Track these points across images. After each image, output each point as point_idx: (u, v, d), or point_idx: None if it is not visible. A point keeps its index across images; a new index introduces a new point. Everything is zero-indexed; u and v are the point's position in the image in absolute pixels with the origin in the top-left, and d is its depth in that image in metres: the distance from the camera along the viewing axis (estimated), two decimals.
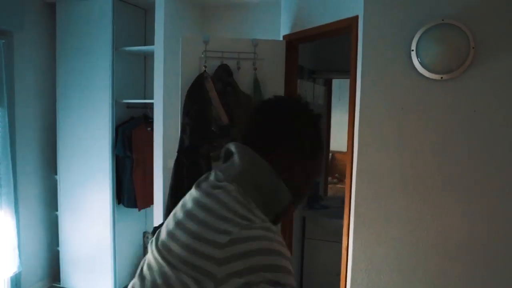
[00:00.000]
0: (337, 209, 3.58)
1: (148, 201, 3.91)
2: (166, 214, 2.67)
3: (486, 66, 2.03)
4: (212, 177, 1.05)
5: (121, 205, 3.91)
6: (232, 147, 1.07)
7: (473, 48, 2.02)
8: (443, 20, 2.05)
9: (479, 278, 2.13)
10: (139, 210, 3.95)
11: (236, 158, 1.03)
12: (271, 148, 1.04)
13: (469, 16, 2.04)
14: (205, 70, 2.69)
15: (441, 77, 2.08)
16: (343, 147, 4.11)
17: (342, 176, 4.36)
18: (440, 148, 2.14)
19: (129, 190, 3.83)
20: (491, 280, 2.11)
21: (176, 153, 2.72)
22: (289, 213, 1.14)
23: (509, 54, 2.00)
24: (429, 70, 2.09)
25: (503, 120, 2.04)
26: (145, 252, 4.35)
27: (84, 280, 4.02)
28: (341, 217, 2.63)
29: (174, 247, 0.94)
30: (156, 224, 3.48)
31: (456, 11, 2.06)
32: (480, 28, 2.02)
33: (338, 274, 2.56)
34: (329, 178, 4.36)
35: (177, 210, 1.06)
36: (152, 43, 3.59)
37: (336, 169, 4.48)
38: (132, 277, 3.58)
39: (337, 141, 4.20)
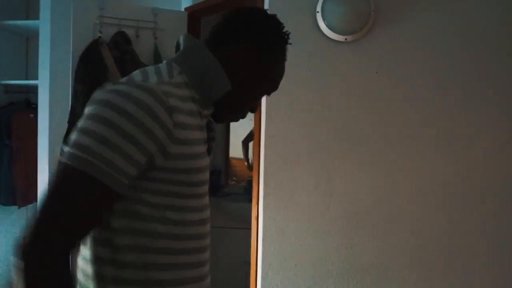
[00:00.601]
0: (240, 195, 3.51)
1: (31, 197, 3.47)
2: None
3: (386, 28, 2.12)
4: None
5: None
6: (180, 38, 1.06)
7: (373, 11, 2.09)
8: None
9: (388, 240, 2.17)
10: (20, 207, 3.48)
11: (182, 44, 1.04)
12: (221, 42, 1.03)
13: None
14: (100, 36, 2.47)
15: (345, 39, 2.12)
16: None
17: (239, 180, 4.30)
18: (345, 110, 2.16)
19: (6, 184, 3.38)
20: (397, 240, 2.16)
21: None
22: (238, 109, 1.06)
23: (406, 18, 2.11)
24: (334, 31, 2.12)
25: (403, 82, 2.13)
26: None
27: None
28: (244, 202, 2.56)
29: None
30: None
31: None
32: None
33: (246, 261, 2.47)
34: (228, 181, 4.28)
35: None
36: (36, 17, 3.24)
37: (234, 174, 4.42)
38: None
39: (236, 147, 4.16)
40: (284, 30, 1.08)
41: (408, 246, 2.16)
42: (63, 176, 0.79)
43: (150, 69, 0.93)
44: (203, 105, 0.95)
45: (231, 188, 3.79)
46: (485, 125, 2.07)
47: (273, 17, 1.07)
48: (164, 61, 1.00)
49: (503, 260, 2.09)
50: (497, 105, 2.06)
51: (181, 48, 1.02)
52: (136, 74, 0.90)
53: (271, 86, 1.09)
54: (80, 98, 2.36)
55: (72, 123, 2.37)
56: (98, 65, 2.40)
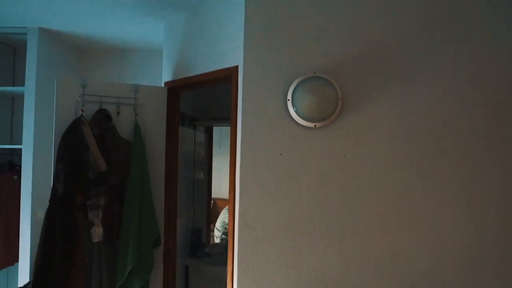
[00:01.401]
0: (221, 256, 3.57)
1: (11, 259, 3.49)
2: (35, 274, 2.40)
3: (352, 115, 2.25)
4: None
5: None
6: None
7: (341, 99, 2.23)
8: (314, 73, 2.24)
9: None
10: (0, 269, 3.50)
11: None
12: None
13: (337, 70, 2.26)
14: (82, 114, 2.56)
15: (315, 125, 2.25)
16: (224, 194, 4.19)
17: (223, 223, 4.39)
18: (315, 191, 2.27)
19: None
20: None
21: (47, 204, 2.48)
22: None
23: (371, 104, 2.24)
24: (303, 119, 2.24)
25: (368, 165, 2.25)
26: None
27: None
28: (225, 264, 2.63)
29: None
30: (21, 284, 3.11)
31: (326, 65, 2.26)
32: (346, 82, 2.25)
33: None
34: (211, 226, 4.35)
35: None
36: (22, 84, 3.34)
37: (217, 216, 4.50)
38: None
39: (218, 188, 4.25)
40: None
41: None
42: None
43: None
44: None
45: (212, 247, 3.84)
46: (441, 205, 2.22)
47: None
48: None
49: None
50: (455, 182, 2.22)
51: None
52: None
53: None
54: (60, 177, 2.43)
55: (54, 200, 2.44)
56: (79, 143, 2.49)
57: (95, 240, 2.50)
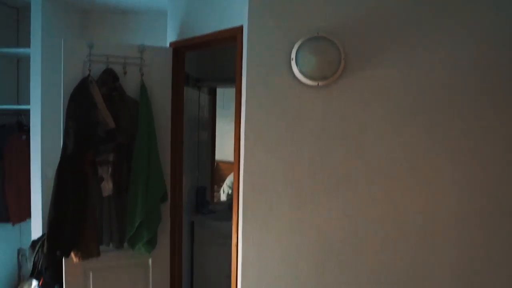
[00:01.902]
0: (224, 213, 3.70)
1: (23, 215, 3.63)
2: (50, 226, 2.52)
3: (354, 75, 2.31)
4: None
5: None
6: None
7: (343, 59, 2.28)
8: (318, 33, 2.28)
9: (357, 267, 2.38)
10: (13, 224, 3.64)
11: None
12: None
13: (340, 31, 2.29)
14: (89, 74, 2.62)
15: (317, 84, 2.31)
16: (227, 156, 4.29)
17: (223, 182, 4.50)
18: (317, 150, 2.36)
19: (0, 204, 3.52)
20: (365, 267, 2.38)
21: (57, 162, 2.58)
22: None
23: (373, 66, 2.30)
24: (306, 77, 2.30)
25: (370, 122, 2.32)
26: (20, 271, 4.02)
27: None
28: (228, 220, 2.76)
29: None
30: (34, 237, 3.25)
31: (329, 26, 2.30)
32: (349, 42, 2.29)
33: (228, 276, 2.65)
34: (215, 187, 4.47)
35: None
36: (26, 45, 3.38)
37: (220, 178, 4.60)
38: None
39: (221, 151, 4.34)
40: None
41: (376, 274, 2.38)
42: None
43: None
44: None
45: (217, 205, 3.97)
46: (445, 163, 2.30)
47: None
48: None
49: None
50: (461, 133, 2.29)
51: None
52: None
53: None
54: (70, 135, 2.51)
55: (64, 157, 2.53)
56: (87, 102, 2.56)
57: (105, 194, 2.61)
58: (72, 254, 2.63)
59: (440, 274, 2.33)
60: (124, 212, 2.69)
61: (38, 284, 3.04)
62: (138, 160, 2.69)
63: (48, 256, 2.82)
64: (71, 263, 2.70)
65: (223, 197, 4.38)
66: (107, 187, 2.60)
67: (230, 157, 2.64)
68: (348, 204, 2.36)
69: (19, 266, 4.02)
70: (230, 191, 4.31)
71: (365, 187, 2.35)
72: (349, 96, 2.32)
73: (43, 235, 3.01)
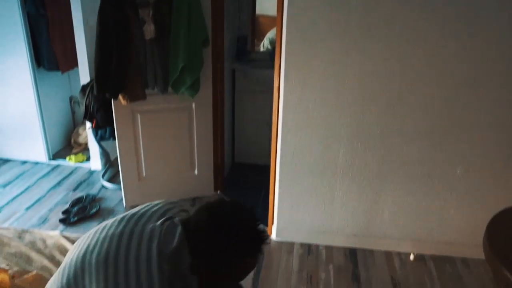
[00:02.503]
0: (265, 62, 3.69)
1: (71, 63, 3.76)
2: (97, 70, 2.61)
3: None
4: (161, 232, 1.20)
5: (42, 69, 3.74)
6: (178, 229, 1.20)
7: None
8: None
9: (397, 112, 2.40)
10: (62, 72, 3.80)
11: (175, 240, 1.18)
12: (201, 254, 1.18)
13: None
14: None
15: None
16: (267, 10, 4.13)
17: (263, 37, 4.41)
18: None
19: (48, 51, 3.63)
20: (405, 112, 2.39)
21: (98, 7, 2.55)
22: None
23: None
24: None
25: None
26: (74, 117, 4.30)
27: (16, 150, 3.97)
28: (269, 68, 2.75)
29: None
30: (83, 83, 3.40)
31: None
32: None
33: (269, 123, 2.74)
34: (255, 40, 4.39)
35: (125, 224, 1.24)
36: None
37: (260, 33, 4.49)
38: (64, 143, 3.51)
39: (261, 3, 4.17)
40: (263, 237, 1.21)
41: (414, 118, 2.40)
42: None
43: None
44: None
45: (257, 54, 3.95)
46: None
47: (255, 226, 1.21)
48: (156, 252, 1.16)
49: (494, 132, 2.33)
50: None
51: (174, 246, 1.17)
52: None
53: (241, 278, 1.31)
54: None
55: (105, 2, 2.50)
56: None
57: (148, 37, 2.62)
58: (120, 97, 2.76)
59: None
60: (167, 56, 2.73)
61: (91, 126, 3.27)
62: (179, 2, 2.63)
63: (98, 98, 2.98)
64: (119, 105, 2.85)
65: (263, 49, 4.33)
66: (149, 29, 2.60)
67: (271, 11, 2.52)
68: (393, 50, 2.29)
69: (73, 112, 4.30)
70: (269, 46, 4.24)
71: (411, 30, 2.25)
72: None
73: (91, 80, 3.14)
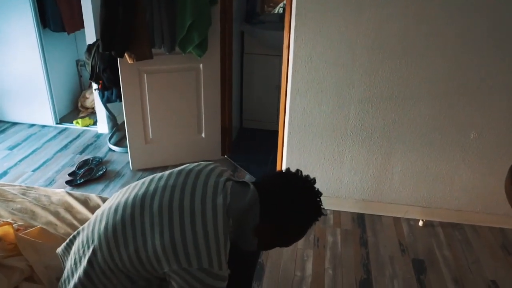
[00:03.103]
0: (274, 23, 3.60)
1: (76, 24, 3.69)
2: (102, 26, 2.54)
3: None
4: (226, 189, 1.24)
5: (47, 30, 3.68)
6: (251, 189, 1.24)
7: None
8: None
9: (409, 73, 2.32)
10: (69, 33, 3.74)
11: (247, 199, 1.22)
12: (270, 217, 1.23)
13: None
14: None
15: None
16: None
17: (276, 5, 4.27)
18: None
19: (54, 12, 3.57)
20: (417, 72, 2.31)
21: None
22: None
23: None
24: None
25: None
26: (81, 80, 4.26)
27: (24, 113, 3.96)
28: (279, 30, 2.66)
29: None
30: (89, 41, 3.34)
31: None
32: None
33: (278, 86, 2.68)
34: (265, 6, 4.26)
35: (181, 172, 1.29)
36: None
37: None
38: (71, 107, 3.48)
39: None
40: (321, 207, 1.28)
41: (427, 80, 2.32)
42: None
43: (213, 249, 1.15)
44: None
45: (266, 16, 3.84)
46: None
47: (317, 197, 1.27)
48: (222, 207, 1.19)
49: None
50: None
51: (246, 203, 1.22)
52: (203, 255, 1.14)
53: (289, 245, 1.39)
54: None
55: None
56: None
57: None
58: (126, 55, 2.70)
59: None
60: (175, 13, 2.65)
61: (98, 87, 3.22)
62: None
63: (104, 58, 2.92)
64: (126, 65, 2.79)
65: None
66: None
67: None
68: (409, 9, 2.20)
69: (79, 76, 4.26)
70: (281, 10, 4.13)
71: None
72: None
73: (97, 40, 3.08)
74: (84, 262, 1.24)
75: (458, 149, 2.47)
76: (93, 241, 1.24)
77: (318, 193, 1.28)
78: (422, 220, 2.65)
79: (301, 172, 1.32)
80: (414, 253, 2.40)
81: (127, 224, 1.20)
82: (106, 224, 1.24)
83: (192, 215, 1.16)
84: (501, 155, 2.44)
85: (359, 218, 2.70)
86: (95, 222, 1.30)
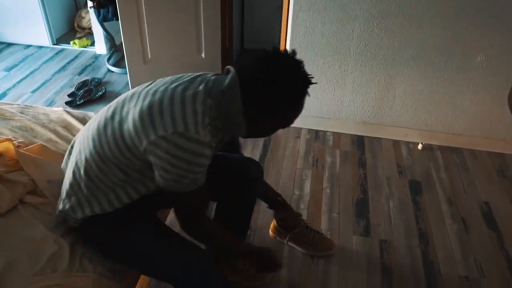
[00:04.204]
0: None
1: None
2: None
3: None
4: (209, 79, 1.22)
5: None
6: (231, 73, 1.19)
7: None
8: None
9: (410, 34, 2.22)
10: None
11: (226, 81, 1.18)
12: (254, 100, 1.17)
13: None
14: None
15: None
16: None
17: None
18: None
19: None
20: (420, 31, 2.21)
21: None
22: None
23: None
24: None
25: None
26: (76, 2, 4.10)
27: (19, 34, 3.86)
28: None
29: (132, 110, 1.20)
30: None
31: None
32: None
33: (280, 6, 2.56)
34: None
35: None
36: None
37: None
38: (68, 27, 3.36)
39: None
40: (309, 79, 1.22)
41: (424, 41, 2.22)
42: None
43: (189, 113, 1.15)
44: (221, 133, 1.25)
45: None
46: None
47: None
48: (203, 90, 1.19)
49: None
50: None
51: (224, 86, 1.18)
52: (178, 119, 1.14)
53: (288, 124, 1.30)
54: None
55: None
56: None
57: None
58: None
59: None
60: None
61: (93, 5, 3.10)
62: None
63: None
64: None
65: None
66: None
67: None
68: None
69: None
70: None
71: None
72: None
73: None
74: (83, 162, 1.29)
75: (463, 74, 2.42)
76: (88, 141, 1.28)
77: (300, 62, 1.22)
78: (422, 143, 2.66)
79: (278, 48, 1.24)
80: (411, 175, 2.43)
81: (117, 110, 1.25)
82: (99, 122, 1.27)
83: (173, 95, 1.19)
84: (506, 81, 2.39)
85: (359, 141, 2.70)
86: (88, 126, 1.34)
